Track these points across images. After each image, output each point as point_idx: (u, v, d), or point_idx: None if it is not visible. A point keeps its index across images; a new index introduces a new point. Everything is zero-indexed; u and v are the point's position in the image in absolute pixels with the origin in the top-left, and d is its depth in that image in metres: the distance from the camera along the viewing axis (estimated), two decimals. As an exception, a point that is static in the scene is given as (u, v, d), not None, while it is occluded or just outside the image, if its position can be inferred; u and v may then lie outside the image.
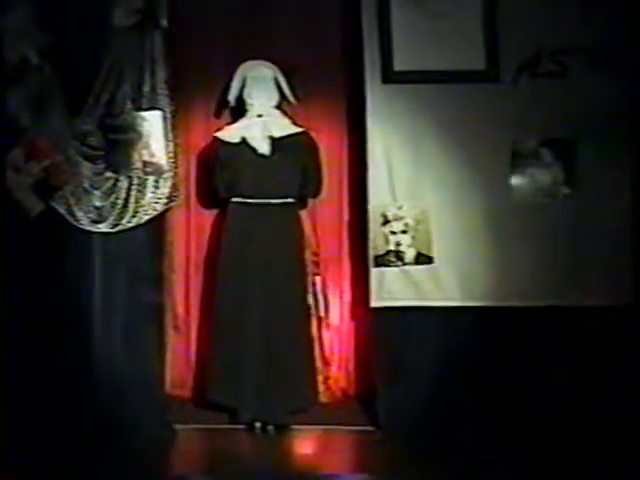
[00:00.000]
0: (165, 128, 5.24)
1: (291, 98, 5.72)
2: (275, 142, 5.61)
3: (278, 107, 5.72)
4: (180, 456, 5.13)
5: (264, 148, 5.59)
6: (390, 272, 5.37)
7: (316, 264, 5.99)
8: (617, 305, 5.21)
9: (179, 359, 6.00)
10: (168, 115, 5.26)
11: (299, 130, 5.68)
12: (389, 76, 5.37)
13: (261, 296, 5.50)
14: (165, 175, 5.23)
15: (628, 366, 5.10)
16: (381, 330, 5.42)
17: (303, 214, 5.87)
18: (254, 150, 5.59)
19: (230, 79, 5.72)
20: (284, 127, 5.66)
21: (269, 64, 5.72)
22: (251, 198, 5.58)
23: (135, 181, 5.21)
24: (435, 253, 5.34)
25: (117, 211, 5.19)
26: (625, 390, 5.08)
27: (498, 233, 5.31)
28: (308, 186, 5.71)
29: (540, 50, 5.27)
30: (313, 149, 5.73)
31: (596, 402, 5.09)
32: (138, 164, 5.20)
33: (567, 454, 4.80)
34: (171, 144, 5.26)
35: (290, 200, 5.64)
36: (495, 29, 5.30)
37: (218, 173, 5.65)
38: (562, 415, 5.08)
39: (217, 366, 5.53)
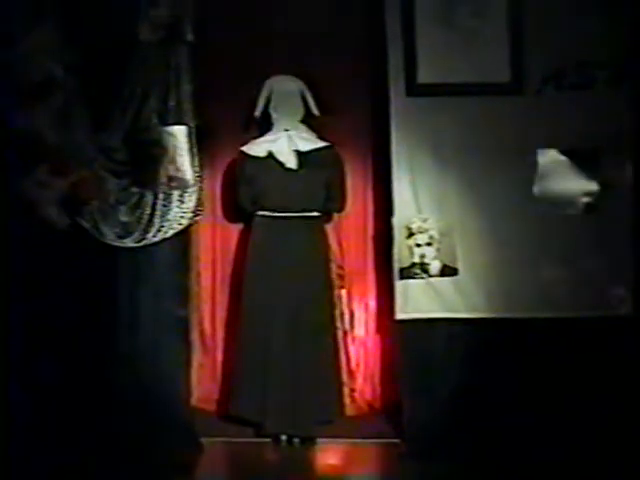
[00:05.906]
0: (190, 143, 5.25)
1: (316, 112, 5.72)
2: (301, 156, 5.62)
3: (304, 121, 5.73)
4: (206, 469, 5.12)
5: (291, 162, 5.60)
6: (415, 284, 5.35)
7: (341, 277, 6.02)
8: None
9: (205, 372, 6.04)
10: (193, 130, 5.27)
11: (325, 144, 5.68)
12: (413, 89, 5.35)
13: (287, 309, 5.50)
14: (190, 190, 5.25)
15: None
16: (407, 342, 5.39)
17: (328, 227, 5.88)
18: (281, 164, 5.60)
19: (256, 94, 5.73)
20: (310, 141, 5.67)
21: (295, 78, 5.74)
22: (277, 212, 5.58)
23: (160, 196, 5.23)
24: (460, 265, 5.33)
25: (143, 226, 5.21)
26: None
27: (523, 244, 5.27)
28: (333, 201, 5.72)
29: (565, 62, 5.24)
30: (338, 164, 5.73)
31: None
32: (163, 179, 5.23)
33: (595, 466, 4.77)
34: (196, 159, 5.27)
35: (316, 214, 5.65)
36: (520, 41, 5.27)
37: (244, 187, 5.66)
38: (589, 425, 5.05)
39: (243, 379, 5.54)
